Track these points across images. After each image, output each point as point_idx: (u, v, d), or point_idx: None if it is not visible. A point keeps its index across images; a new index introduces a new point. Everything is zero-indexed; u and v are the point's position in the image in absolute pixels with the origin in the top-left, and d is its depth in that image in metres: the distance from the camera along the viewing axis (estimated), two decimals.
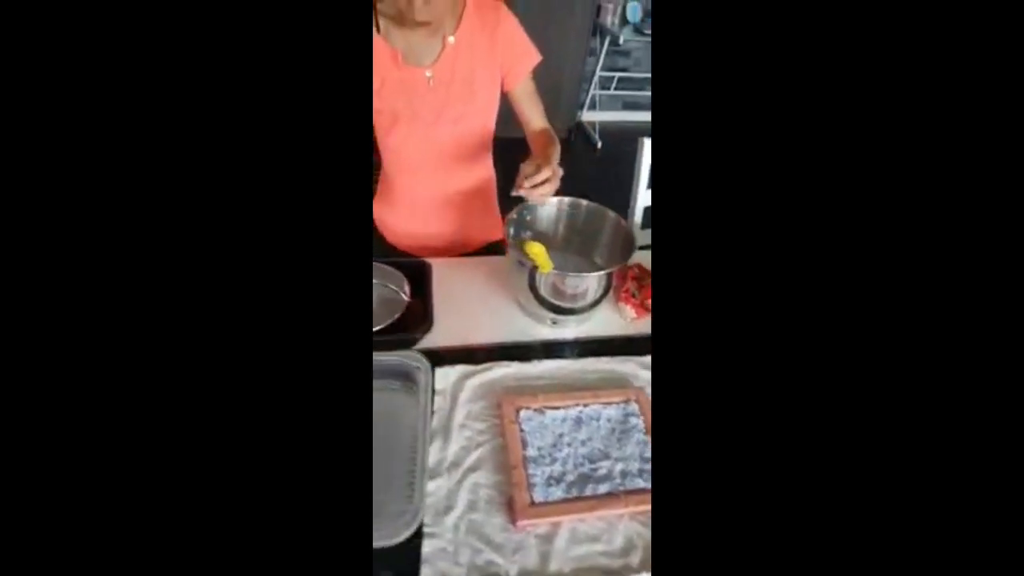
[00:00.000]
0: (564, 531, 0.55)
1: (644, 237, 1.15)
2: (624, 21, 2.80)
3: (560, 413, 0.65)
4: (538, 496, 0.56)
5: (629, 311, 0.81)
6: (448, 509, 0.56)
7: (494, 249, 1.03)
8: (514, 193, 0.72)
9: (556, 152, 0.78)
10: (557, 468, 0.59)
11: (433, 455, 0.60)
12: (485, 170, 0.96)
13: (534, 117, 0.87)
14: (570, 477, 0.59)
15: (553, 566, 0.52)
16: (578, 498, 0.57)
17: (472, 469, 0.60)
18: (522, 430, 0.63)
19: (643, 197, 1.22)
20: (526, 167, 0.71)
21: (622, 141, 3.06)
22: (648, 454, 0.62)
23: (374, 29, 0.76)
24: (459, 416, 0.65)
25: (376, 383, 0.68)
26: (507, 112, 0.90)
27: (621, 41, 2.66)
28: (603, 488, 0.58)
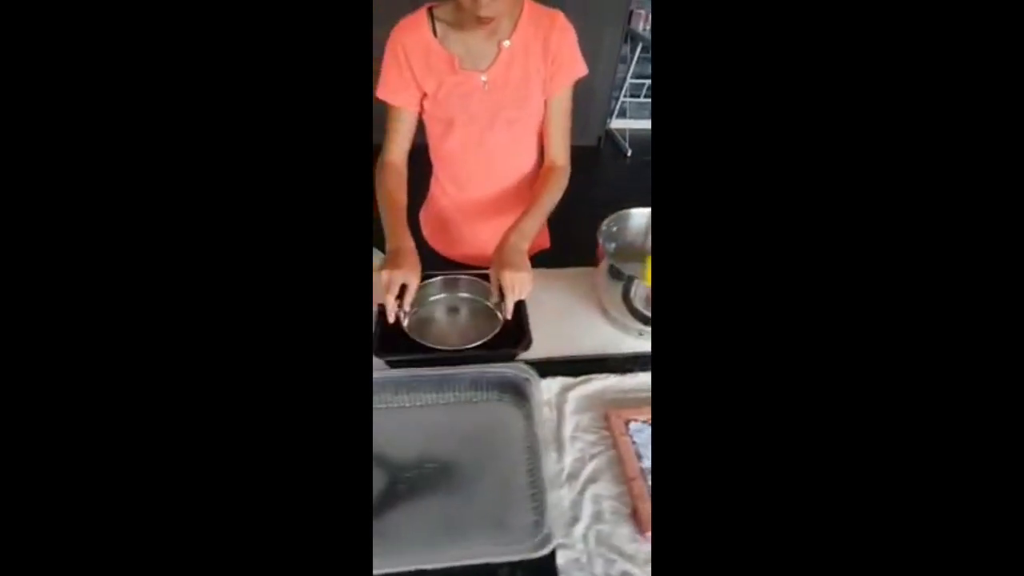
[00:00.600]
0: None
1: None
2: None
3: None
4: None
5: None
6: (574, 520, 0.56)
7: (543, 260, 1.02)
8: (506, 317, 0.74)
9: (542, 214, 0.80)
10: None
11: (548, 467, 0.61)
12: (532, 182, 0.97)
13: (556, 141, 0.85)
14: None
15: None
16: None
17: (591, 480, 0.61)
18: (634, 442, 0.64)
19: None
20: (503, 260, 0.73)
21: (651, 150, 3.07)
22: None
23: (431, 34, 0.78)
24: (568, 428, 0.66)
25: (482, 395, 0.69)
26: None
27: None
28: None
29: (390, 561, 0.50)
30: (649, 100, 3.21)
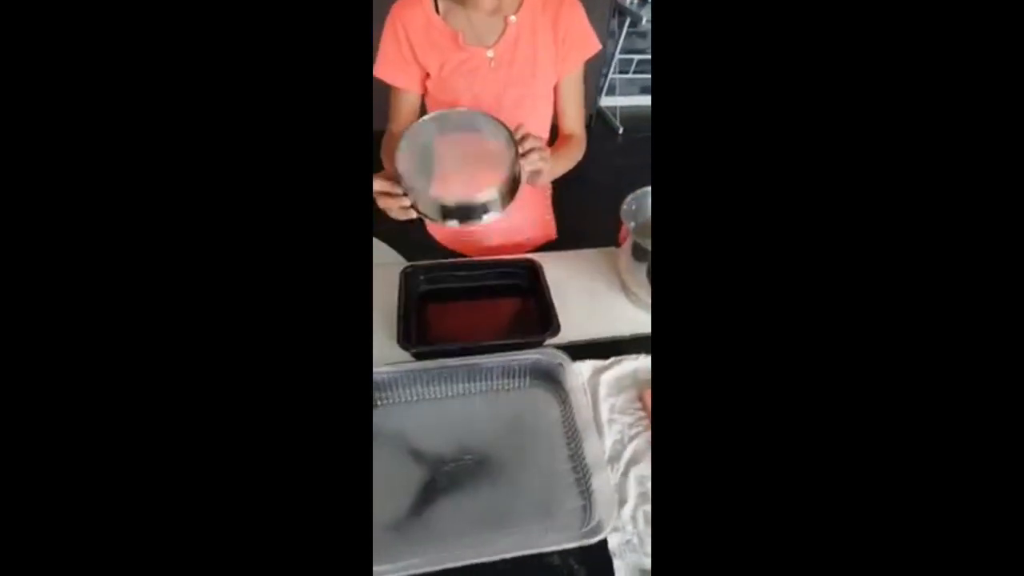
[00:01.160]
0: None
1: None
2: (644, 1, 2.76)
3: None
4: None
5: None
6: (622, 503, 0.56)
7: (552, 250, 1.01)
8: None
9: (564, 162, 0.78)
10: None
11: (589, 451, 0.60)
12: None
13: (571, 116, 0.85)
14: None
15: None
16: None
17: (633, 462, 0.60)
18: None
19: None
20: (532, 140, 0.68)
21: (643, 126, 3.04)
22: None
23: (432, 9, 0.75)
24: (604, 411, 0.66)
25: (515, 382, 0.68)
26: None
27: (644, 22, 2.63)
28: None
29: (440, 557, 0.49)
30: (638, 76, 3.17)
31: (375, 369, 0.63)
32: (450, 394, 0.66)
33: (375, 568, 0.47)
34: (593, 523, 0.52)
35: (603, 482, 0.55)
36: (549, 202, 1.04)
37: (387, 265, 0.81)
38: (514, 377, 0.68)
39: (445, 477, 0.58)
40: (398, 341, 0.67)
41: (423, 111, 0.83)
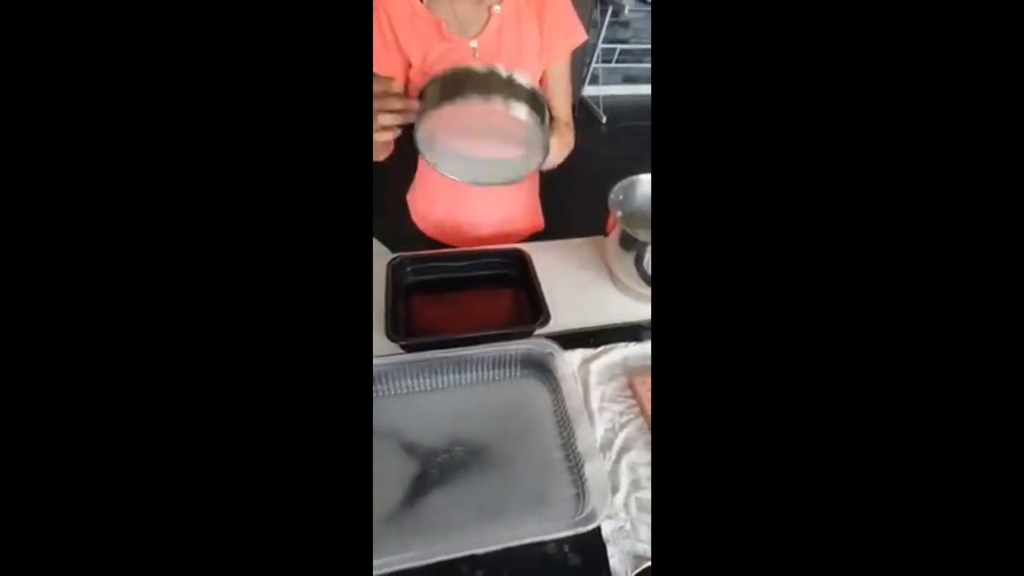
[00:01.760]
0: None
1: None
2: None
3: None
4: None
5: None
6: (614, 490, 0.56)
7: (538, 238, 1.01)
8: None
9: (560, 150, 0.78)
10: None
11: (581, 439, 0.61)
12: None
13: (559, 105, 0.84)
14: None
15: None
16: None
17: (625, 449, 0.61)
18: None
19: None
20: None
21: (626, 115, 3.05)
22: None
23: None
24: (595, 399, 0.66)
25: (505, 372, 0.68)
26: None
27: (626, 11, 2.62)
28: None
29: (434, 548, 0.49)
30: (620, 65, 3.17)
31: None
32: (440, 385, 0.66)
33: None
34: (587, 511, 0.52)
35: (596, 470, 0.56)
36: (536, 192, 1.03)
37: (373, 256, 0.80)
38: (505, 367, 0.67)
39: (437, 469, 0.58)
40: (386, 333, 0.66)
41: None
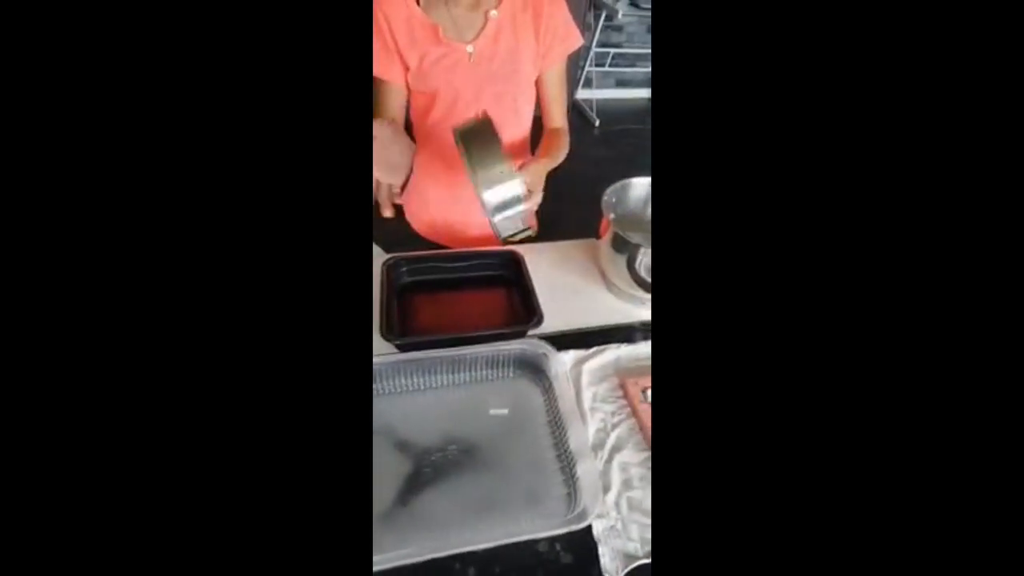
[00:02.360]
0: None
1: None
2: None
3: None
4: None
5: None
6: (605, 489, 0.57)
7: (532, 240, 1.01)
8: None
9: (552, 164, 0.79)
10: None
11: (573, 439, 0.61)
12: (524, 157, 0.96)
13: (555, 110, 0.86)
14: None
15: None
16: None
17: (616, 449, 0.61)
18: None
19: None
20: (530, 167, 0.70)
21: (619, 119, 3.07)
22: None
23: (414, 3, 0.74)
24: (586, 399, 0.67)
25: (499, 372, 0.68)
26: None
27: (620, 16, 2.64)
28: None
29: (427, 546, 0.49)
30: (613, 69, 3.19)
31: None
32: (435, 385, 0.66)
33: None
34: (578, 510, 0.53)
35: (587, 469, 0.56)
36: None
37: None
38: (498, 367, 0.68)
39: (431, 467, 0.58)
40: (381, 333, 0.67)
41: (409, 103, 0.82)
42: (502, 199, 0.63)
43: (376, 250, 1.08)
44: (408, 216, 1.01)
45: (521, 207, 0.64)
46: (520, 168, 0.69)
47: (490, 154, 0.62)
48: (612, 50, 3.09)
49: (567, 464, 0.58)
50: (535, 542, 0.52)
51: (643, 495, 0.57)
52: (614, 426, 0.64)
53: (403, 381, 0.65)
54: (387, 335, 0.67)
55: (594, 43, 2.91)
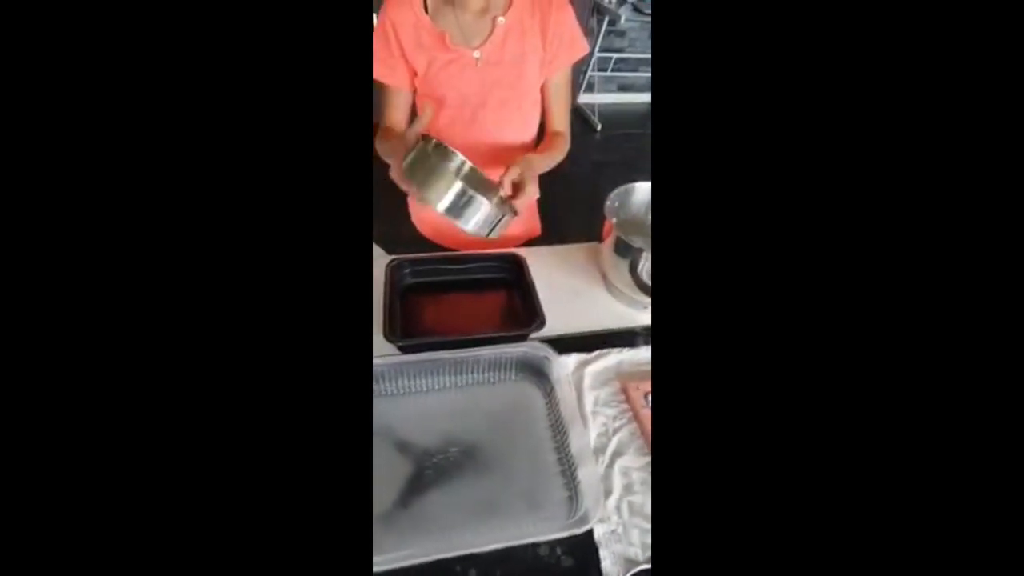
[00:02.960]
0: None
1: None
2: (622, 1, 2.79)
3: None
4: None
5: None
6: (607, 493, 0.57)
7: (535, 243, 1.02)
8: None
9: (548, 162, 0.78)
10: None
11: (575, 442, 0.61)
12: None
13: (557, 115, 0.87)
14: None
15: None
16: None
17: (617, 454, 0.61)
18: None
19: None
20: (513, 171, 0.69)
21: (620, 123, 3.08)
22: None
23: (422, 10, 0.74)
24: (588, 403, 0.67)
25: (501, 375, 0.68)
26: None
27: (622, 21, 2.65)
28: None
29: (428, 548, 0.49)
30: (615, 74, 3.20)
31: None
32: (437, 387, 0.66)
33: None
34: (579, 514, 0.53)
35: (589, 473, 0.56)
36: (535, 200, 1.04)
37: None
38: (501, 370, 0.68)
39: (432, 469, 0.58)
40: (384, 334, 0.67)
41: (414, 109, 0.83)
42: (453, 203, 0.63)
43: (379, 251, 1.08)
44: (414, 219, 1.02)
45: (479, 202, 0.63)
46: (507, 166, 0.69)
47: (431, 173, 0.62)
48: (614, 55, 3.11)
49: (568, 468, 0.58)
50: (536, 545, 0.52)
51: (644, 500, 0.57)
52: (615, 430, 0.64)
53: (405, 382, 0.65)
54: (390, 336, 0.67)
55: (597, 48, 2.92)
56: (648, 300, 0.79)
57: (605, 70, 3.15)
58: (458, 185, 0.62)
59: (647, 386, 0.67)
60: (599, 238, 0.82)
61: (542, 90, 0.85)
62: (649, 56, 3.10)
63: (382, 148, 0.77)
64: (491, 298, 0.81)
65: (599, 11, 2.81)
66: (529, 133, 0.90)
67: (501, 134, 0.87)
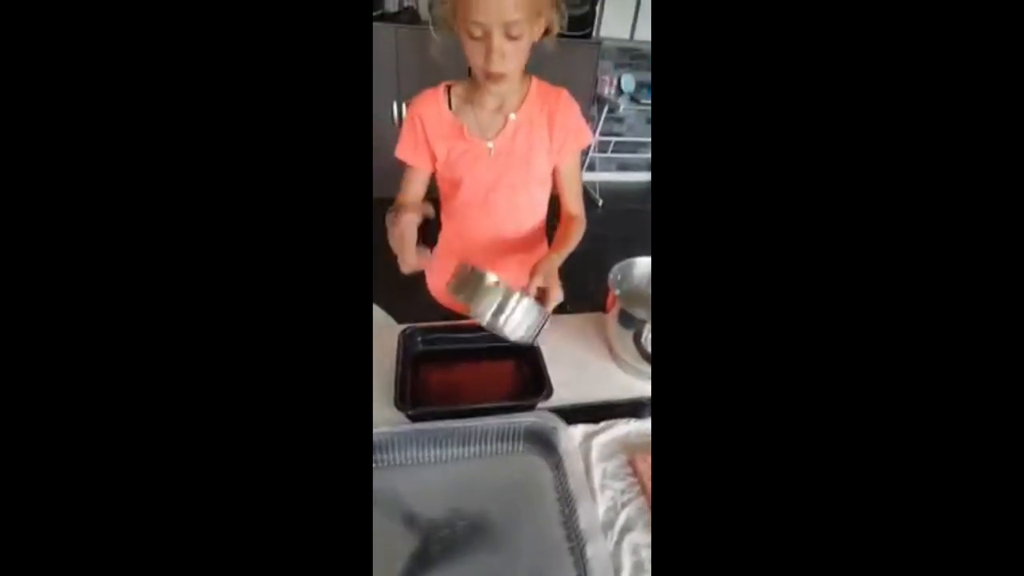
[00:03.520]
0: None
1: None
2: (620, 91, 3.03)
3: None
4: None
5: None
6: (617, 571, 0.56)
7: None
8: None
9: (567, 251, 0.84)
10: None
11: (583, 518, 0.60)
12: (538, 241, 1.02)
13: (571, 199, 0.94)
14: None
15: None
16: None
17: (627, 529, 0.60)
18: None
19: None
20: (537, 278, 0.74)
21: (620, 199, 3.24)
22: None
23: (446, 107, 0.83)
24: (596, 476, 0.66)
25: (509, 446, 0.68)
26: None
27: (621, 109, 2.87)
28: None
29: None
30: (615, 155, 3.41)
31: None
32: (445, 458, 0.66)
33: None
34: None
35: (598, 550, 0.55)
36: None
37: (380, 327, 0.83)
38: (509, 441, 0.68)
39: (439, 544, 0.57)
40: (395, 402, 0.68)
41: (432, 185, 0.90)
42: (497, 308, 0.67)
43: (391, 320, 1.11)
44: (430, 285, 1.06)
45: (524, 306, 0.68)
46: (533, 271, 0.75)
47: (477, 291, 0.67)
48: (614, 138, 3.32)
49: (577, 544, 0.57)
50: None
51: None
52: (623, 504, 0.63)
53: (414, 452, 0.65)
54: (400, 405, 0.68)
55: (597, 132, 3.14)
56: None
57: (605, 151, 3.35)
58: (501, 294, 0.67)
59: None
60: (602, 308, 0.85)
61: (554, 175, 0.93)
62: (645, 140, 3.33)
63: (392, 230, 0.84)
64: (500, 366, 0.83)
65: (599, 100, 3.05)
66: (538, 215, 0.97)
67: (511, 215, 0.94)
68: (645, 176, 3.51)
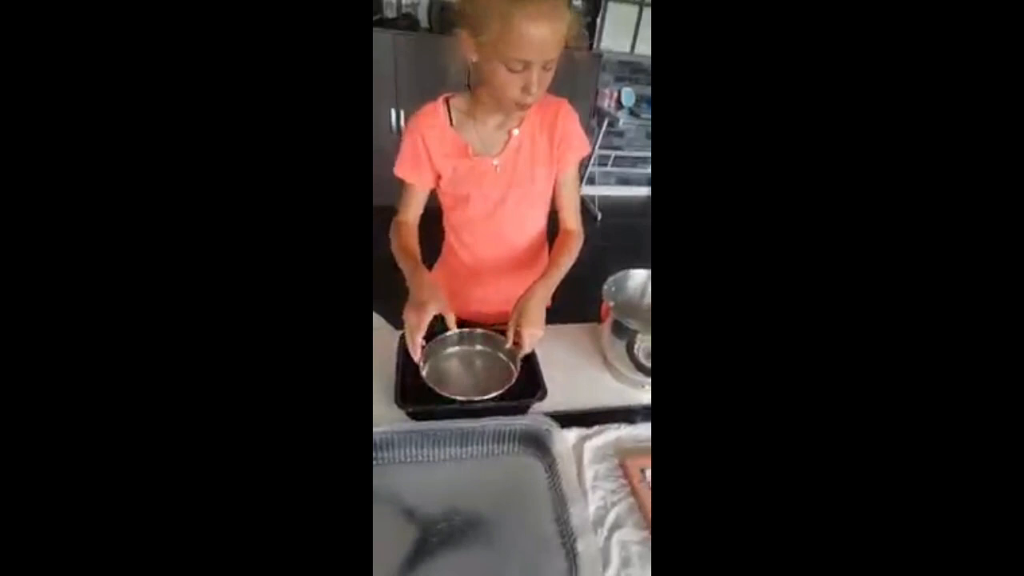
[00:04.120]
0: None
1: None
2: (620, 105, 3.10)
3: None
4: None
5: None
6: (605, 566, 0.58)
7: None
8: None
9: (560, 273, 0.88)
10: None
11: (575, 515, 0.63)
12: (541, 252, 1.06)
13: (568, 213, 0.97)
14: None
15: None
16: None
17: (616, 527, 0.63)
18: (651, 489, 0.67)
19: None
20: (523, 304, 0.80)
21: (619, 213, 3.29)
22: None
23: (447, 122, 0.87)
24: (588, 477, 0.69)
25: (505, 447, 0.71)
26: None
27: (620, 124, 2.92)
28: None
29: None
30: (614, 169, 3.47)
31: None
32: (442, 456, 0.69)
33: None
34: None
35: (588, 545, 0.58)
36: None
37: (378, 329, 0.86)
38: (505, 442, 0.71)
39: (437, 536, 0.60)
40: (395, 400, 0.71)
41: (432, 199, 0.93)
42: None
43: (384, 324, 1.14)
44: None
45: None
46: (514, 308, 0.81)
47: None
48: (613, 152, 3.38)
49: (568, 539, 0.60)
50: None
51: (640, 573, 0.58)
52: (613, 504, 0.66)
53: (412, 451, 0.68)
54: (400, 402, 0.71)
55: (597, 146, 3.19)
56: (645, 379, 0.84)
57: (605, 165, 3.41)
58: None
59: (644, 462, 0.70)
60: (597, 319, 0.89)
61: (553, 186, 0.96)
62: (645, 154, 3.39)
63: (395, 244, 0.88)
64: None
65: (599, 114, 3.10)
66: (540, 222, 1.01)
67: (518, 227, 0.98)
68: (644, 190, 3.57)
